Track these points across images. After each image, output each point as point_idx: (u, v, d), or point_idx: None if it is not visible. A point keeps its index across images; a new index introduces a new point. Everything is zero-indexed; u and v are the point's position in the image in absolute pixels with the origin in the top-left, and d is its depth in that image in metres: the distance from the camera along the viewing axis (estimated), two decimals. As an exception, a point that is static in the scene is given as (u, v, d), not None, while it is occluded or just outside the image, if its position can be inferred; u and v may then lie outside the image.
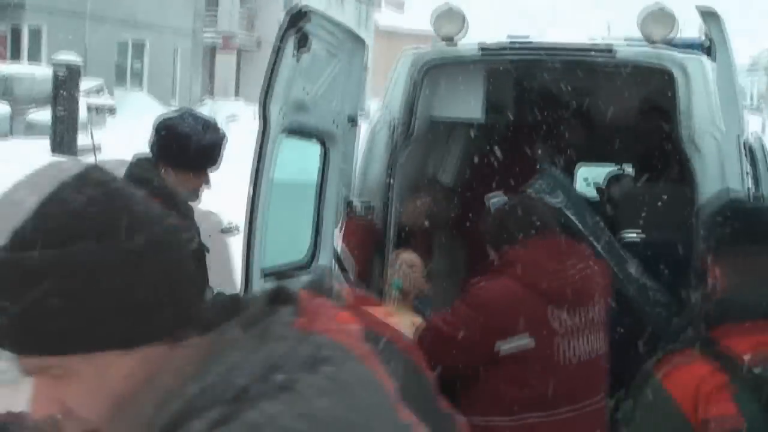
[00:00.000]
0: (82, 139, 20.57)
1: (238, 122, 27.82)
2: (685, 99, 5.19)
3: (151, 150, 4.58)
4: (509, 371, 4.00)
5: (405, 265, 5.25)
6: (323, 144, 5.49)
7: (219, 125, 4.91)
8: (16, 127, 25.10)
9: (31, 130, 24.54)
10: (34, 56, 32.20)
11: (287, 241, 5.61)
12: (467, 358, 4.10)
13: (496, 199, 5.20)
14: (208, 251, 4.58)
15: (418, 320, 4.99)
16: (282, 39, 4.64)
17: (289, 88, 4.75)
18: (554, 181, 5.51)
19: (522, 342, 3.96)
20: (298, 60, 4.70)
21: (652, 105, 6.08)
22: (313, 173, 5.57)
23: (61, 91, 22.00)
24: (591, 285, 4.10)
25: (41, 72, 25.71)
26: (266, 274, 4.92)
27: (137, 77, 38.02)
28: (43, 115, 24.18)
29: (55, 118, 21.88)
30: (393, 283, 5.15)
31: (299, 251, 5.56)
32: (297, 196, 5.69)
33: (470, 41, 5.78)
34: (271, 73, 4.67)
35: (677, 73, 5.22)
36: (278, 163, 4.98)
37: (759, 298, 2.78)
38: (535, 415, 3.97)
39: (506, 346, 3.98)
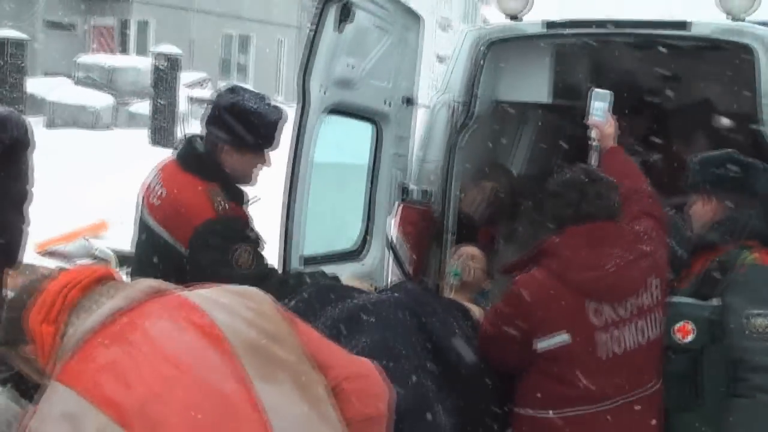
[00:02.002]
0: (181, 132, 20.68)
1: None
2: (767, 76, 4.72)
3: (212, 128, 4.20)
4: (549, 368, 3.75)
5: (466, 256, 4.94)
6: (375, 124, 5.19)
7: None
8: (120, 118, 25.41)
9: (134, 121, 24.82)
10: (141, 49, 32.55)
11: (336, 228, 5.33)
12: (510, 356, 3.88)
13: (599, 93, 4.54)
14: (265, 244, 4.34)
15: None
16: (322, 10, 4.36)
17: (331, 63, 4.47)
18: None
19: (559, 339, 3.69)
20: (340, 32, 4.41)
21: (732, 83, 5.56)
22: (366, 155, 5.28)
23: (161, 83, 22.22)
24: (636, 272, 3.73)
25: (145, 64, 25.93)
26: (307, 261, 4.65)
27: (242, 71, 38.17)
28: (144, 107, 24.43)
29: (155, 109, 22.11)
30: (451, 271, 4.86)
31: (349, 239, 5.28)
32: (348, 180, 5.41)
33: (537, 18, 5.40)
34: (311, 47, 4.40)
35: (759, 50, 4.75)
36: (328, 143, 4.72)
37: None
38: (583, 408, 3.71)
39: (543, 344, 3.72)
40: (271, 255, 4.44)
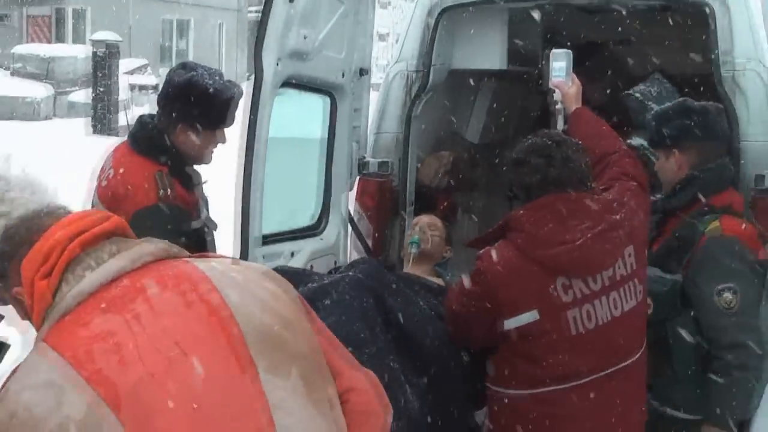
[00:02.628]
0: (124, 119, 20.38)
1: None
2: (725, 35, 4.68)
3: (165, 109, 4.05)
4: (518, 346, 3.59)
5: (423, 224, 4.85)
6: (331, 97, 5.07)
7: None
8: (59, 108, 25.01)
9: (73, 110, 24.45)
10: (78, 38, 32.07)
11: (294, 204, 5.22)
12: (477, 335, 3.75)
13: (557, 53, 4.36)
14: (215, 228, 4.22)
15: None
16: (274, -20, 4.22)
17: (285, 35, 4.32)
18: (663, 89, 4.96)
19: (527, 317, 3.51)
20: (291, 1, 4.27)
21: (688, 44, 5.52)
22: (321, 129, 5.16)
23: (101, 70, 21.86)
24: (608, 245, 3.53)
25: (83, 52, 25.54)
26: (267, 241, 4.54)
27: (182, 56, 37.59)
28: (84, 96, 24.07)
29: (95, 98, 21.76)
30: (410, 241, 4.76)
31: (308, 215, 5.16)
32: (304, 154, 5.29)
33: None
34: (263, 19, 4.26)
35: (716, 6, 4.71)
36: (283, 117, 4.59)
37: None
38: (554, 386, 3.55)
39: (511, 323, 3.55)
40: (227, 234, 4.33)
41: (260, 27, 4.24)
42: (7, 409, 1.95)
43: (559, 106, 4.28)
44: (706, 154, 4.13)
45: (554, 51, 4.35)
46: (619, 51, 6.29)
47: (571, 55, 4.31)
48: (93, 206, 3.99)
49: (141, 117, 4.19)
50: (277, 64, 4.30)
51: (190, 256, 2.28)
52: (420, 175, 5.60)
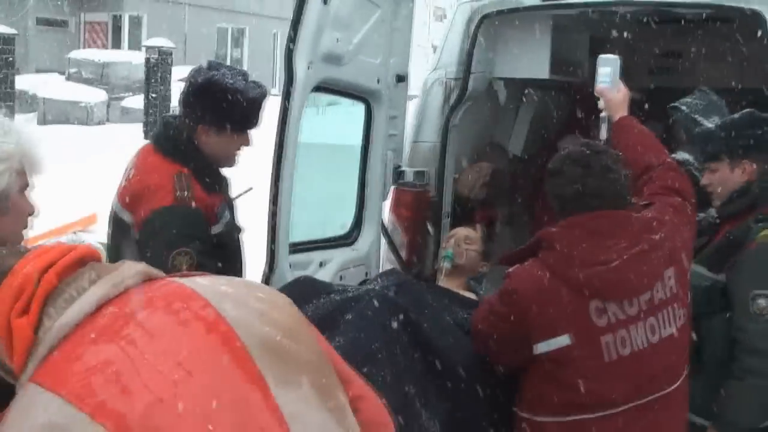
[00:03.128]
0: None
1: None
2: None
3: (187, 109, 3.91)
4: (550, 371, 3.38)
5: (459, 237, 4.70)
6: (366, 103, 4.94)
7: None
8: (112, 113, 25.20)
9: (127, 116, 24.61)
10: (134, 44, 32.38)
11: (327, 212, 5.10)
12: (507, 357, 3.57)
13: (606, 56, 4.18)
14: (239, 232, 4.10)
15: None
16: (307, -19, 4.11)
17: (318, 38, 4.22)
18: (710, 102, 4.80)
19: (559, 342, 3.31)
20: (325, 3, 4.16)
21: (741, 56, 5.31)
22: (358, 136, 5.04)
23: (154, 76, 22.00)
24: (646, 266, 3.31)
25: (138, 58, 25.73)
26: (296, 249, 4.42)
27: (237, 64, 37.86)
28: (137, 101, 24.23)
29: (148, 103, 21.89)
30: (444, 255, 4.61)
31: (341, 224, 5.04)
32: (340, 161, 5.18)
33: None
34: (296, 22, 4.16)
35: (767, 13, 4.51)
36: (319, 123, 4.49)
37: None
38: (586, 415, 3.34)
39: (542, 347, 3.35)
40: (259, 241, 4.22)
41: (292, 28, 4.14)
42: None
43: (603, 114, 4.08)
44: None
45: (601, 56, 4.18)
46: (666, 62, 6.08)
47: (619, 62, 4.12)
48: (112, 208, 3.90)
49: (164, 117, 4.09)
50: (309, 68, 4.19)
51: (171, 276, 2.12)
52: (458, 186, 5.45)
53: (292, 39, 4.15)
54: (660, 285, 3.35)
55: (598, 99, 4.09)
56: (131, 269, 2.04)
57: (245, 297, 2.06)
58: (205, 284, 2.06)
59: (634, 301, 3.30)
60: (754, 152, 4.02)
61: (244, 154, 4.09)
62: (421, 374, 3.47)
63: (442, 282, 4.53)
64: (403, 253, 5.27)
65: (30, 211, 2.64)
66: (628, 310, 3.30)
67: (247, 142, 3.97)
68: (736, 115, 4.15)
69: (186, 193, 3.71)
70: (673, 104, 4.66)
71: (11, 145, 2.51)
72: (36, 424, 1.80)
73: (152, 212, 3.67)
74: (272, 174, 4.19)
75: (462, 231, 4.80)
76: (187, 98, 3.92)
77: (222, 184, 4.02)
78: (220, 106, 3.82)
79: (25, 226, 2.65)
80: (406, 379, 3.37)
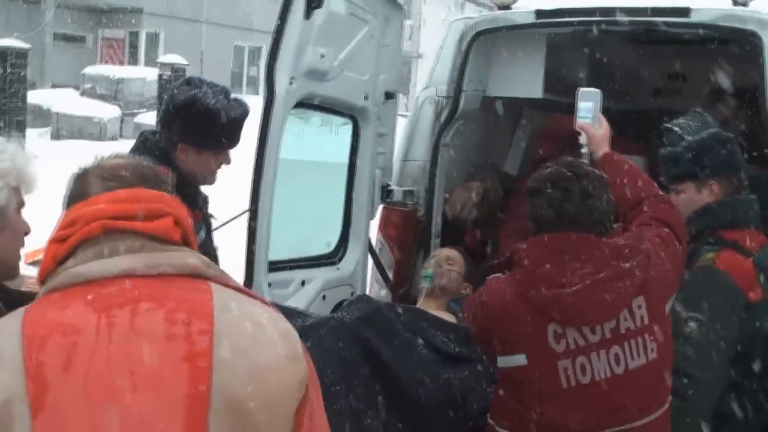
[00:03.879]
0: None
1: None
2: None
3: (166, 127, 3.84)
4: (511, 389, 3.29)
5: (441, 257, 4.60)
6: (354, 120, 4.86)
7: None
8: (126, 129, 25.22)
9: (139, 131, 24.55)
10: (150, 61, 32.44)
11: (311, 231, 5.00)
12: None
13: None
14: (214, 252, 4.02)
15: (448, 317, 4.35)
16: (290, -5, 4.03)
17: (300, 53, 4.14)
18: (704, 123, 4.70)
19: (516, 360, 3.22)
20: (307, 18, 4.08)
21: (739, 78, 5.19)
22: (343, 153, 4.95)
23: (166, 93, 21.99)
24: (610, 294, 3.16)
25: (152, 75, 25.79)
26: (275, 267, 4.32)
27: (253, 83, 37.98)
28: (151, 118, 24.23)
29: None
30: (424, 274, 4.52)
31: (326, 242, 4.94)
32: (324, 179, 5.09)
33: (530, 7, 5.06)
34: (277, 35, 4.08)
35: (765, 36, 4.40)
36: (304, 140, 4.41)
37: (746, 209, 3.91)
38: None
39: (503, 361, 3.27)
40: (238, 259, 4.13)
41: (273, 43, 4.06)
42: None
43: (585, 150, 3.92)
44: (737, 185, 3.94)
45: (581, 90, 4.01)
46: (663, 81, 5.98)
47: (600, 95, 3.97)
48: None
49: (143, 132, 4.02)
50: (291, 83, 4.11)
51: (225, 284, 2.01)
52: (447, 206, 5.35)
53: (273, 54, 4.07)
54: (627, 314, 3.20)
55: (579, 134, 3.94)
56: (177, 259, 1.98)
57: (259, 346, 1.90)
58: (233, 312, 1.93)
59: (596, 329, 3.17)
60: (720, 173, 3.93)
61: (227, 170, 4.03)
62: (384, 404, 3.37)
63: (422, 303, 4.43)
64: (391, 274, 5.18)
65: (26, 230, 2.60)
66: (590, 337, 3.17)
67: (227, 161, 3.90)
68: (702, 135, 4.04)
69: None
70: (665, 125, 4.56)
71: (7, 162, 2.48)
72: None
73: None
74: (251, 190, 4.11)
75: (445, 251, 4.72)
76: (167, 115, 3.85)
77: (199, 201, 3.94)
78: (201, 126, 3.76)
79: (22, 245, 2.61)
80: (363, 411, 3.28)
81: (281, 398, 1.88)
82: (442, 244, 5.22)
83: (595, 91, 3.98)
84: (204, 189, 4.00)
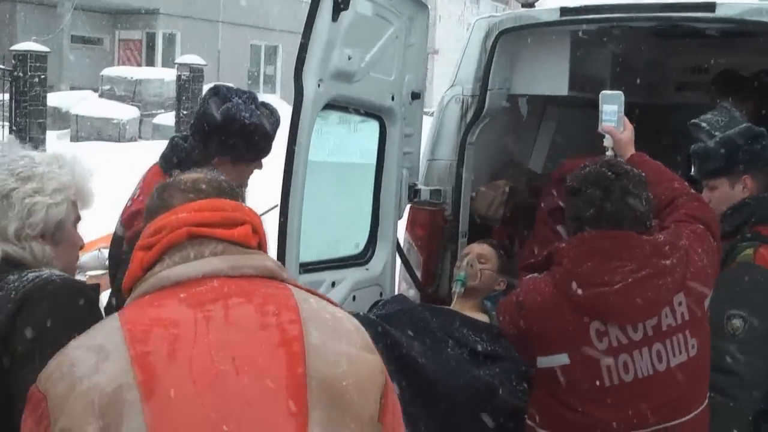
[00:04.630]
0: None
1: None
2: None
3: (201, 142, 3.89)
4: (553, 389, 3.30)
5: (472, 256, 4.60)
6: (380, 121, 4.86)
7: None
8: (144, 130, 25.36)
9: (159, 132, 24.73)
10: (167, 62, 32.57)
11: (339, 232, 5.01)
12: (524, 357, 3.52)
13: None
14: None
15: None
16: (318, -2, 4.04)
17: (328, 55, 4.15)
18: (731, 119, 4.70)
19: (558, 359, 3.24)
20: (334, 20, 4.09)
21: (759, 70, 5.18)
22: (371, 154, 4.96)
23: (185, 93, 22.08)
24: (652, 292, 3.20)
25: (170, 76, 25.89)
26: (306, 269, 4.34)
27: (270, 82, 38.07)
28: (169, 118, 24.36)
29: (179, 120, 21.97)
30: (456, 278, 4.52)
31: (354, 243, 4.95)
32: (354, 180, 5.10)
33: (554, 5, 5.06)
34: (306, 38, 4.09)
35: (792, 30, 4.39)
36: (332, 141, 4.42)
37: None
38: None
39: (543, 361, 3.29)
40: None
41: (302, 46, 4.07)
42: (58, 360, 1.96)
43: (610, 152, 3.92)
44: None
45: (604, 93, 4.03)
46: (696, 79, 5.96)
47: (623, 97, 3.97)
48: (116, 228, 3.86)
49: (173, 138, 4.07)
50: (319, 85, 4.12)
51: (296, 285, 2.18)
52: (474, 205, 5.35)
53: (300, 56, 4.09)
54: (669, 311, 3.23)
55: (603, 137, 3.96)
56: (257, 261, 2.12)
57: (340, 335, 2.05)
58: (312, 305, 2.09)
59: (638, 326, 3.20)
60: (753, 168, 3.96)
61: (257, 174, 4.08)
62: (410, 401, 3.38)
63: (455, 305, 4.44)
64: (419, 273, 5.18)
65: (81, 244, 2.75)
66: (632, 334, 3.20)
67: (259, 167, 4.01)
68: (734, 130, 4.05)
69: None
70: (693, 121, 4.56)
71: (68, 176, 2.60)
72: (94, 342, 1.97)
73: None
74: (282, 192, 4.13)
75: (477, 248, 4.71)
76: (202, 132, 3.90)
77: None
78: (239, 141, 3.84)
79: (77, 259, 2.75)
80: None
81: (369, 379, 2.02)
82: (470, 243, 5.23)
83: (617, 94, 3.99)
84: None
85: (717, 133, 4.34)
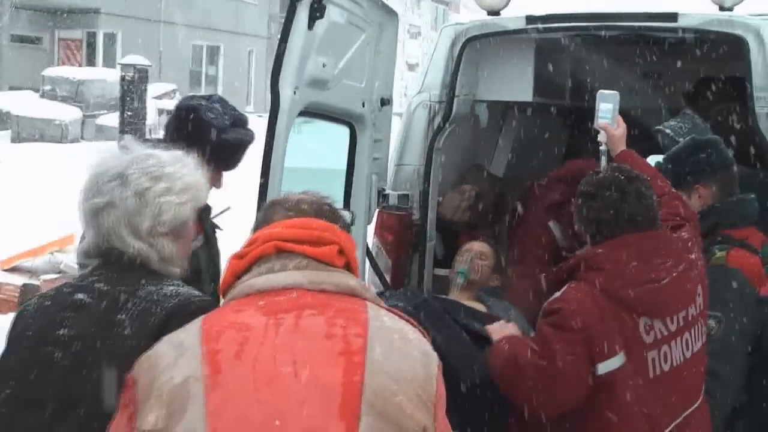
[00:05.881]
0: (150, 142, 20.32)
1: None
2: (760, 70, 4.51)
3: (166, 132, 3.98)
4: (607, 395, 3.32)
5: (474, 253, 4.74)
6: (351, 127, 4.93)
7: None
8: (87, 130, 25.08)
9: (102, 133, 24.49)
10: (108, 62, 32.22)
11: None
12: (574, 388, 3.35)
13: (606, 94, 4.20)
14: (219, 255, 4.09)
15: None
16: (293, 7, 4.09)
17: (304, 63, 4.20)
18: (694, 125, 4.83)
19: (617, 362, 3.30)
20: (310, 28, 4.14)
21: (722, 79, 5.33)
22: (341, 159, 5.02)
23: (129, 94, 21.89)
24: (689, 284, 3.44)
25: (112, 76, 25.61)
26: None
27: (212, 82, 37.83)
28: (113, 119, 24.11)
29: (123, 121, 21.77)
30: (459, 271, 4.69)
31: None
32: (323, 185, 5.13)
33: (520, 13, 5.17)
34: (281, 46, 4.13)
35: (751, 40, 4.54)
36: (303, 148, 4.47)
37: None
38: None
39: (602, 368, 3.30)
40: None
41: (278, 54, 4.11)
42: (149, 353, 2.18)
43: (603, 147, 4.15)
44: (726, 184, 4.19)
45: (601, 92, 4.22)
46: (649, 84, 6.12)
47: (618, 97, 4.17)
48: None
49: (146, 141, 4.09)
50: (295, 93, 4.17)
51: (379, 305, 2.29)
52: (441, 210, 5.44)
53: (277, 64, 4.13)
54: (694, 302, 3.47)
55: (598, 132, 4.15)
56: (339, 279, 2.27)
57: (405, 354, 2.14)
58: (385, 324, 2.20)
59: (674, 318, 3.39)
60: (704, 176, 4.19)
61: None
62: None
63: (453, 295, 4.63)
64: (388, 277, 5.25)
65: (193, 239, 2.93)
66: (670, 326, 3.38)
67: (214, 182, 3.93)
68: (679, 145, 4.33)
69: None
70: (657, 128, 4.70)
71: (191, 177, 2.74)
72: (177, 338, 2.18)
73: None
74: (258, 198, 4.16)
75: (477, 246, 4.85)
76: (168, 121, 4.00)
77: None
78: (193, 136, 3.83)
79: (190, 251, 2.90)
80: None
81: (422, 401, 2.10)
82: (437, 247, 5.33)
83: (613, 93, 4.18)
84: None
85: (681, 139, 4.51)
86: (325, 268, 2.27)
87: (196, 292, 2.65)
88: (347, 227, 2.51)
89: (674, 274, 3.36)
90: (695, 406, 3.47)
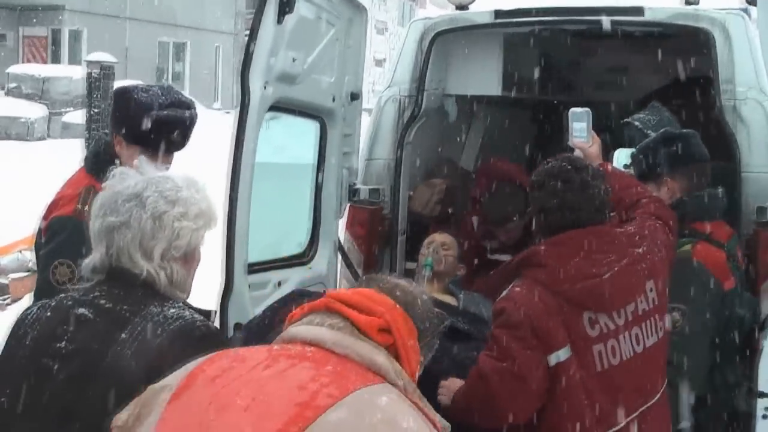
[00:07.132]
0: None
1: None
2: (726, 63, 4.57)
3: (110, 120, 4.02)
4: (556, 387, 3.32)
5: (437, 244, 4.75)
6: (321, 122, 4.94)
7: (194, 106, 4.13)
8: (53, 128, 24.87)
9: (68, 131, 24.27)
10: (74, 59, 31.93)
11: (282, 232, 5.07)
12: (543, 380, 3.34)
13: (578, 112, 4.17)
14: None
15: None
16: (263, 1, 4.09)
17: (274, 57, 4.20)
18: (662, 117, 4.85)
19: (563, 354, 3.32)
20: (279, 23, 4.14)
21: (687, 72, 5.39)
22: (311, 154, 5.02)
23: (95, 92, 21.71)
24: (633, 279, 3.43)
25: (78, 73, 25.37)
26: (254, 270, 4.39)
27: (178, 78, 37.59)
28: (78, 117, 23.89)
29: (89, 118, 21.59)
30: (425, 262, 4.69)
31: (297, 243, 5.01)
32: (293, 180, 5.15)
33: (488, 8, 5.20)
34: (251, 41, 4.13)
35: (716, 34, 4.60)
36: (272, 142, 4.46)
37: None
38: None
39: (552, 359, 3.32)
40: (214, 262, 4.17)
41: (248, 48, 4.11)
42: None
43: None
44: (696, 177, 4.21)
45: (573, 110, 4.19)
46: (615, 78, 6.17)
47: (590, 114, 4.15)
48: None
49: (98, 134, 4.12)
50: (265, 87, 4.17)
51: (406, 396, 2.16)
52: (412, 204, 5.47)
53: (247, 59, 4.13)
54: (643, 296, 3.45)
55: (573, 150, 4.12)
56: (366, 351, 2.18)
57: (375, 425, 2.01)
58: (379, 404, 2.05)
59: (621, 312, 3.39)
60: (673, 169, 4.21)
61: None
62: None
63: (425, 288, 4.59)
64: (360, 271, 5.27)
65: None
66: (617, 320, 3.38)
67: (164, 163, 3.83)
68: (651, 138, 4.34)
69: (86, 207, 3.60)
70: (626, 120, 4.74)
71: (205, 203, 2.73)
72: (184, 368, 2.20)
73: (50, 220, 3.74)
74: (227, 194, 4.15)
75: (438, 237, 4.86)
76: (112, 116, 4.03)
77: None
78: (127, 119, 3.85)
79: (194, 276, 2.84)
80: None
81: None
82: (408, 241, 5.35)
83: (585, 111, 4.16)
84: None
85: (649, 132, 4.55)
86: (359, 335, 2.22)
87: (199, 316, 2.63)
88: (420, 327, 2.36)
89: (616, 269, 3.36)
90: (653, 401, 3.47)
